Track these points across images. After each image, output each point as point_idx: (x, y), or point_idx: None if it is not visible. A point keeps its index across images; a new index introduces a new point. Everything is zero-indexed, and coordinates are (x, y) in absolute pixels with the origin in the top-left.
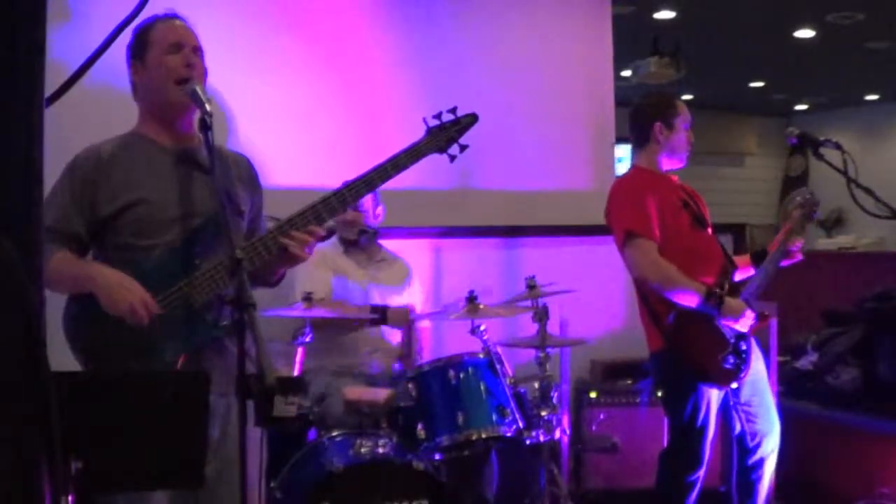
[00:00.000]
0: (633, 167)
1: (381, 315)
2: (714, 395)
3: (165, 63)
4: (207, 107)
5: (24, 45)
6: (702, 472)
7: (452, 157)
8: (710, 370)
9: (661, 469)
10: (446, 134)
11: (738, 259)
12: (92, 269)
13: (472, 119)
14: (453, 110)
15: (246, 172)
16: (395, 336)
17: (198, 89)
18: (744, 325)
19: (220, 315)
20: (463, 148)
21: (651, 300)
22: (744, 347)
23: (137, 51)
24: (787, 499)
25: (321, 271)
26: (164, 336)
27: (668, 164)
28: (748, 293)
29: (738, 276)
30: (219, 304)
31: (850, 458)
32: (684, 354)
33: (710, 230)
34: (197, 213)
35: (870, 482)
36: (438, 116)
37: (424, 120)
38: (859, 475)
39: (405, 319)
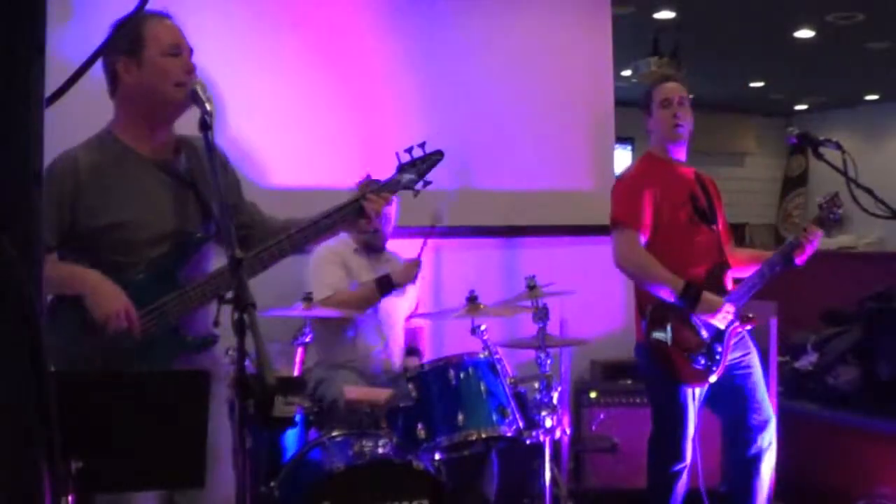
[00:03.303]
0: (645, 153)
1: (388, 281)
2: (690, 390)
3: (164, 65)
4: (208, 106)
5: (24, 45)
6: (686, 464)
7: (416, 193)
8: (679, 369)
9: (648, 458)
10: (416, 171)
11: (755, 254)
12: (83, 271)
13: (440, 156)
14: (423, 145)
15: (218, 160)
16: (397, 336)
17: (198, 89)
18: (721, 320)
19: (201, 332)
20: (426, 184)
21: (639, 291)
22: (718, 349)
23: (130, 47)
24: (787, 499)
25: (335, 268)
26: (140, 354)
27: (672, 150)
28: (740, 291)
29: (740, 273)
30: (200, 321)
31: (850, 458)
32: (658, 351)
33: (717, 226)
34: (179, 229)
35: (870, 482)
36: (409, 151)
37: (397, 154)
38: (859, 475)
39: (413, 273)
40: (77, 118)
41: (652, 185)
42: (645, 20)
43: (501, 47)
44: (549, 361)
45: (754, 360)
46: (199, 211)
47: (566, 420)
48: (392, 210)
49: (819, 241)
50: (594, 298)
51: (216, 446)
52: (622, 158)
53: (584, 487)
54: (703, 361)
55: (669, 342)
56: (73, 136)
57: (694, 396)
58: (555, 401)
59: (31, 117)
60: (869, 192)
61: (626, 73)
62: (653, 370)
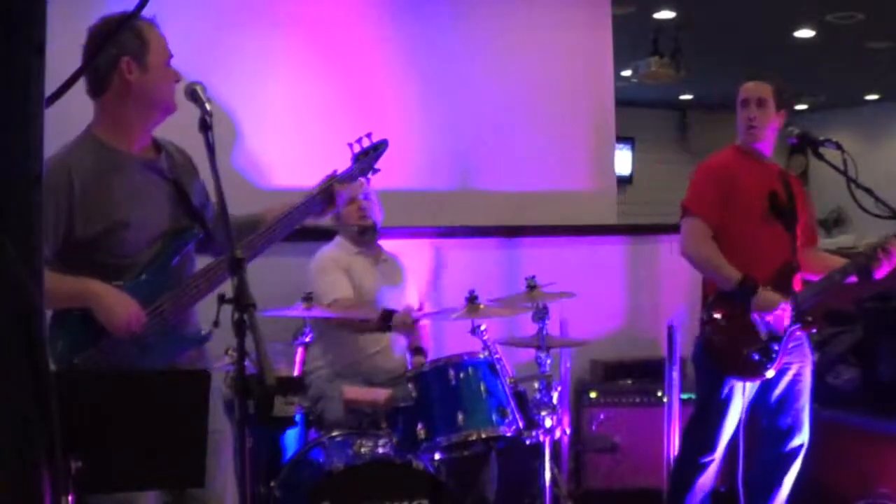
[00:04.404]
0: (732, 145)
1: (387, 321)
2: (739, 385)
3: (166, 73)
4: (207, 106)
5: (24, 45)
6: (715, 456)
7: (368, 180)
8: (732, 361)
9: (680, 445)
10: (368, 160)
11: (836, 262)
12: (89, 283)
13: (385, 145)
14: (370, 135)
15: (188, 162)
16: (398, 338)
17: (197, 89)
18: (776, 319)
19: (196, 328)
20: (376, 171)
21: (706, 283)
22: (775, 348)
23: (135, 50)
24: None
25: (338, 274)
26: (142, 354)
27: (756, 146)
28: (805, 294)
29: (811, 277)
30: (193, 317)
31: (850, 458)
32: (712, 340)
33: (795, 226)
34: (172, 227)
35: (870, 482)
36: (359, 142)
37: (350, 146)
38: (859, 475)
39: (410, 327)
40: (77, 118)
41: (727, 177)
42: (645, 20)
43: (501, 48)
44: (548, 361)
45: (806, 369)
46: (186, 209)
47: (566, 420)
48: (374, 198)
49: None
50: (594, 298)
51: (216, 443)
52: (622, 158)
53: (584, 487)
54: (757, 357)
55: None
56: (73, 136)
57: (743, 391)
58: (555, 401)
59: (30, 117)
60: (869, 192)
61: (626, 73)
62: (704, 359)
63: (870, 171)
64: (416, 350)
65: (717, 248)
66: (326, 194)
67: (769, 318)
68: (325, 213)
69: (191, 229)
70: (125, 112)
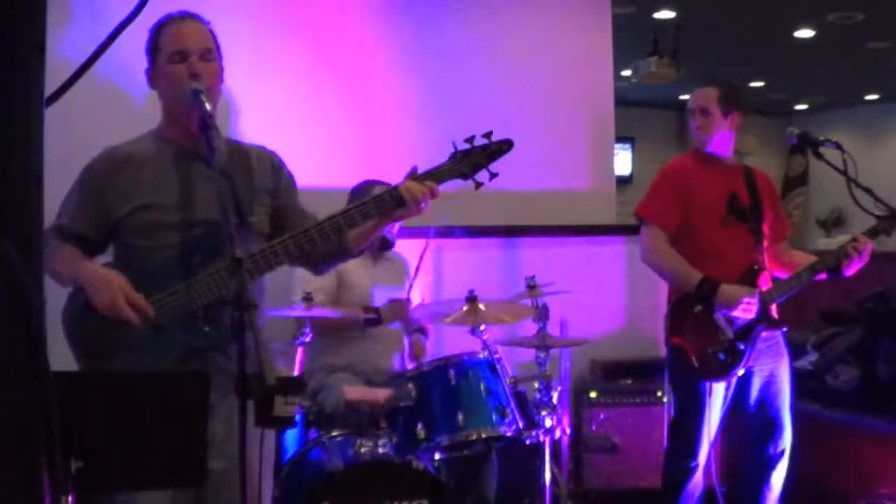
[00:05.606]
0: (691, 149)
1: (376, 316)
2: (712, 388)
3: (169, 72)
4: (207, 106)
5: (24, 45)
6: (699, 461)
7: (478, 185)
8: (697, 364)
9: (665, 451)
10: (472, 159)
11: (805, 258)
12: (83, 265)
13: (506, 146)
14: (488, 135)
15: (268, 165)
16: (398, 337)
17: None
18: (742, 313)
19: (217, 324)
20: (493, 175)
21: (671, 288)
22: (741, 347)
23: (151, 54)
24: (787, 499)
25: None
26: (156, 339)
27: (712, 149)
28: (772, 293)
29: (780, 274)
30: (216, 313)
31: (850, 458)
32: (678, 344)
33: (761, 225)
34: (202, 216)
35: (870, 482)
36: (470, 140)
37: (453, 143)
38: (859, 475)
39: (402, 313)
40: (77, 118)
41: (682, 182)
42: (645, 20)
43: (501, 48)
44: (548, 361)
45: (781, 370)
46: (233, 205)
47: (566, 420)
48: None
49: (869, 253)
50: (594, 298)
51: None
52: (622, 158)
53: (584, 487)
54: (723, 357)
55: (688, 346)
56: (74, 136)
57: (711, 392)
58: (555, 401)
59: (30, 118)
60: (869, 191)
61: (626, 73)
62: (675, 363)
63: (870, 171)
64: (418, 329)
65: (675, 254)
66: (391, 194)
67: (735, 312)
68: (399, 216)
69: (216, 224)
70: (164, 108)
